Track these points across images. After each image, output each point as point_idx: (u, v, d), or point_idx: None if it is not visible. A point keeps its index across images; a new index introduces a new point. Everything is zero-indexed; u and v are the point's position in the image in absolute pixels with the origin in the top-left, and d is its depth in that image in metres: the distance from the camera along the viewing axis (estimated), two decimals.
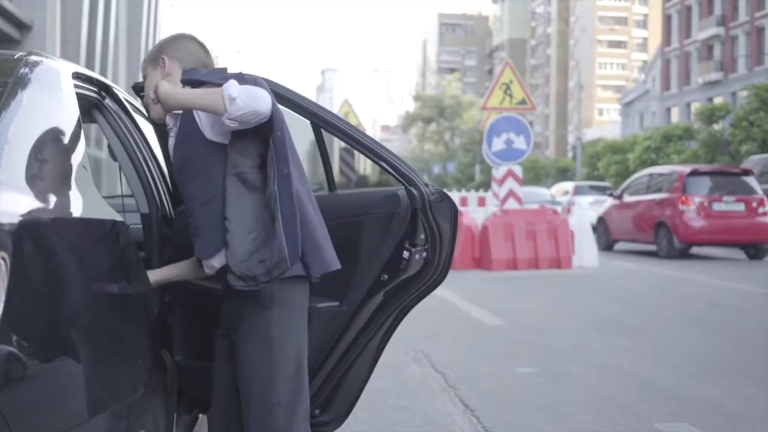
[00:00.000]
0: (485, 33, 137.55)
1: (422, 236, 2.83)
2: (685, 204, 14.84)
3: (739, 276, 12.51)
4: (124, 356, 2.18)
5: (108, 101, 2.96)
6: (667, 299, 9.94)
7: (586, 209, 17.25)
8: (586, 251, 13.60)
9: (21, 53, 2.40)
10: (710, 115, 41.82)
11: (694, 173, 15.53)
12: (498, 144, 13.52)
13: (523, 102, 13.99)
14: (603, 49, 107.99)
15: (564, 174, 59.99)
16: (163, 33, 39.53)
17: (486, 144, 13.80)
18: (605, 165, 51.93)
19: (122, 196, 3.12)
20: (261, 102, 2.29)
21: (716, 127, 41.98)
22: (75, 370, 1.81)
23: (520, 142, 13.52)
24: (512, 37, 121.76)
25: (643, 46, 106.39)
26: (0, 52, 2.63)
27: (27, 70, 2.24)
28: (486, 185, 55.06)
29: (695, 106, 53.22)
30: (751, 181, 15.53)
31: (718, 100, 49.91)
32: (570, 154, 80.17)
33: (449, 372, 5.61)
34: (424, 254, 2.85)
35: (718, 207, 14.93)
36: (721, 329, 7.64)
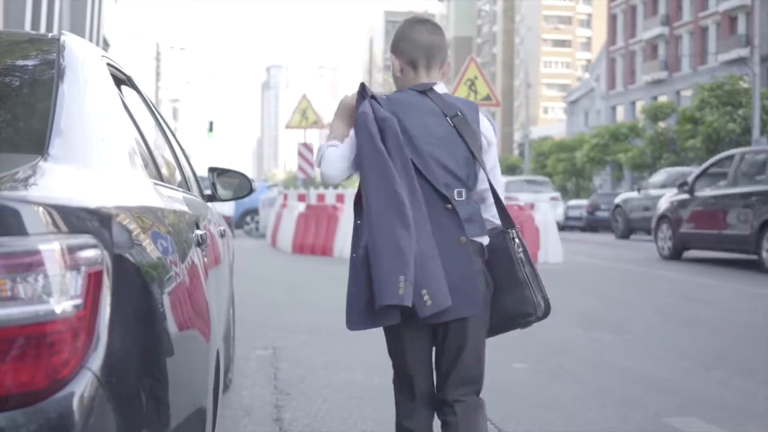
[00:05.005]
0: None
1: None
2: None
3: (704, 271, 12.69)
4: (206, 355, 2.05)
5: (125, 87, 2.81)
6: (640, 294, 10.00)
7: None
8: (551, 247, 13.65)
9: (53, 35, 2.25)
10: (656, 114, 42.52)
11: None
12: None
13: (487, 98, 13.96)
14: (548, 47, 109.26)
15: (513, 171, 60.51)
16: (107, 29, 38.73)
17: None
18: (553, 162, 52.56)
19: None
20: (324, 174, 2.73)
21: (662, 125, 42.71)
22: (174, 371, 1.68)
23: None
24: (458, 35, 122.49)
25: (587, 45, 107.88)
26: (27, 32, 2.48)
27: (67, 54, 2.08)
28: None
29: (640, 105, 54.06)
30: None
31: (662, 99, 50.77)
32: (516, 152, 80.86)
33: None
34: None
35: None
36: (700, 323, 7.69)
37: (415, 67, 2.77)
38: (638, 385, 5.11)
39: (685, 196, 14.42)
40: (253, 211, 24.02)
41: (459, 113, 2.69)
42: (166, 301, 1.71)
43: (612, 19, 64.18)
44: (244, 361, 5.69)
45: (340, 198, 18.10)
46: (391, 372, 2.90)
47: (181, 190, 2.78)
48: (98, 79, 2.11)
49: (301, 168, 19.63)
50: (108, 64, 2.52)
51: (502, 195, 2.77)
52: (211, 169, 4.20)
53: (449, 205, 2.59)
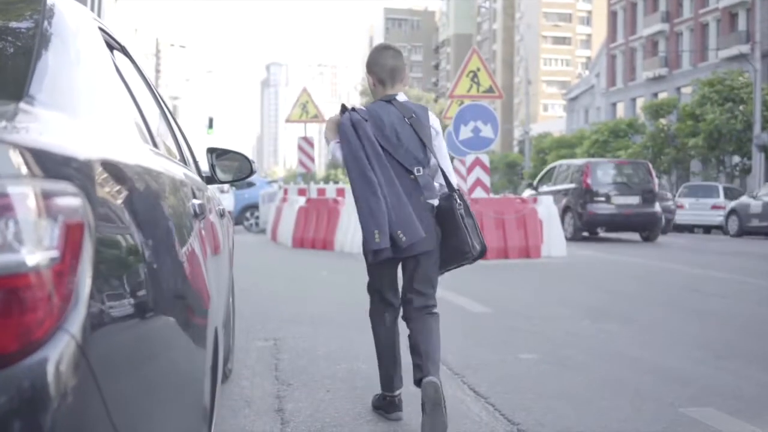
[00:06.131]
0: (431, 28, 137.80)
1: None
2: None
3: (707, 264, 12.56)
4: (203, 331, 1.89)
5: (117, 53, 2.66)
6: (646, 286, 9.86)
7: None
8: (554, 241, 13.49)
9: None
10: (657, 110, 42.31)
11: None
12: (465, 132, 13.27)
13: (490, 90, 13.77)
14: (547, 45, 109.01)
15: (513, 168, 60.32)
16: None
17: (453, 133, 13.55)
18: (554, 159, 52.36)
19: None
20: (337, 159, 3.87)
21: (663, 121, 42.50)
22: (166, 345, 1.53)
23: (487, 131, 13.30)
24: (458, 33, 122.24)
25: (587, 42, 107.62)
26: None
27: (56, 11, 1.92)
28: None
29: (641, 102, 53.87)
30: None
31: (662, 96, 50.54)
32: (516, 149, 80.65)
33: (450, 358, 5.35)
34: None
35: None
36: (707, 315, 7.55)
37: (383, 84, 3.98)
38: (650, 376, 4.95)
39: (533, 191, 20.74)
40: (253, 207, 23.82)
41: (414, 115, 3.89)
42: (158, 267, 1.55)
43: (612, 15, 63.95)
44: (245, 352, 5.54)
45: (340, 192, 17.96)
46: None
47: (178, 162, 2.63)
48: (87, 36, 1.95)
49: (301, 162, 19.39)
50: (100, 29, 2.38)
51: (448, 169, 3.96)
52: (210, 150, 4.03)
53: (412, 176, 3.80)
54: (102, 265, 1.22)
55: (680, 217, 26.98)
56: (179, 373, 1.68)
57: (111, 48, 2.51)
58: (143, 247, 1.47)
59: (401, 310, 4.02)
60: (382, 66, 3.94)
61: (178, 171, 2.23)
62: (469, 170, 13.41)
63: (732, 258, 14.65)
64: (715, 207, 26.98)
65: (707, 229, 27.73)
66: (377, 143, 3.73)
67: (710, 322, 7.16)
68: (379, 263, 3.83)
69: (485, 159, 13.53)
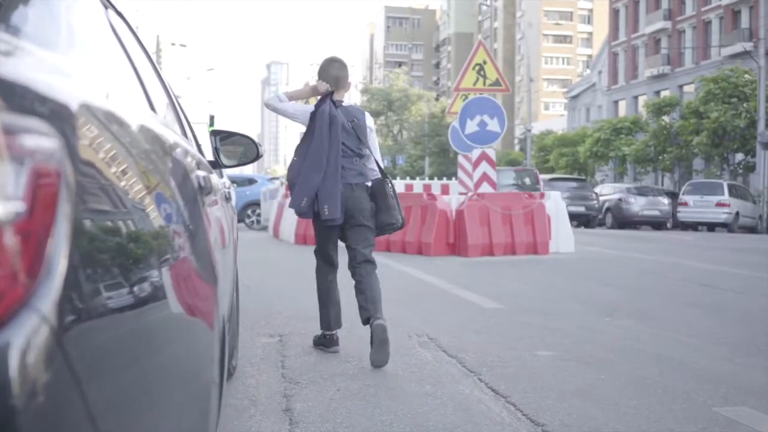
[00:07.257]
0: (432, 27, 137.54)
1: None
2: None
3: (714, 258, 12.33)
4: (211, 315, 1.63)
5: (111, 12, 2.40)
6: (656, 282, 9.60)
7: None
8: (562, 236, 13.22)
9: None
10: (659, 108, 42.04)
11: None
12: (471, 126, 12.98)
13: (496, 83, 13.51)
14: (548, 43, 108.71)
15: (515, 166, 60.01)
16: None
17: (458, 127, 13.27)
18: (556, 157, 52.08)
19: None
20: (271, 101, 5.12)
21: (666, 119, 42.23)
22: (168, 334, 1.28)
23: (494, 125, 13.02)
24: (459, 31, 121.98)
25: (588, 41, 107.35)
26: None
27: None
28: (436, 177, 54.72)
29: (643, 100, 53.56)
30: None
31: (665, 94, 50.23)
32: (517, 147, 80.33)
33: (464, 356, 5.11)
34: None
35: None
36: (725, 310, 7.29)
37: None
38: (677, 373, 4.70)
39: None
40: (255, 204, 23.55)
41: (355, 119, 4.98)
42: (157, 240, 1.29)
43: (614, 13, 63.60)
44: (249, 348, 5.29)
45: None
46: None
47: (179, 135, 2.38)
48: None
49: None
50: None
51: (379, 159, 5.08)
52: (214, 133, 3.78)
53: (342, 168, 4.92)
54: (85, 228, 0.96)
55: (684, 215, 27.54)
56: (183, 369, 1.43)
57: (105, 7, 2.27)
58: (139, 214, 1.21)
59: (349, 265, 5.02)
60: (329, 74, 5.06)
61: (180, 140, 1.98)
62: (475, 165, 13.13)
63: (738, 254, 14.42)
64: (719, 204, 27.11)
65: (711, 226, 27.68)
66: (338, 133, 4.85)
67: (729, 317, 6.91)
68: (326, 229, 4.99)
69: (492, 154, 13.25)
